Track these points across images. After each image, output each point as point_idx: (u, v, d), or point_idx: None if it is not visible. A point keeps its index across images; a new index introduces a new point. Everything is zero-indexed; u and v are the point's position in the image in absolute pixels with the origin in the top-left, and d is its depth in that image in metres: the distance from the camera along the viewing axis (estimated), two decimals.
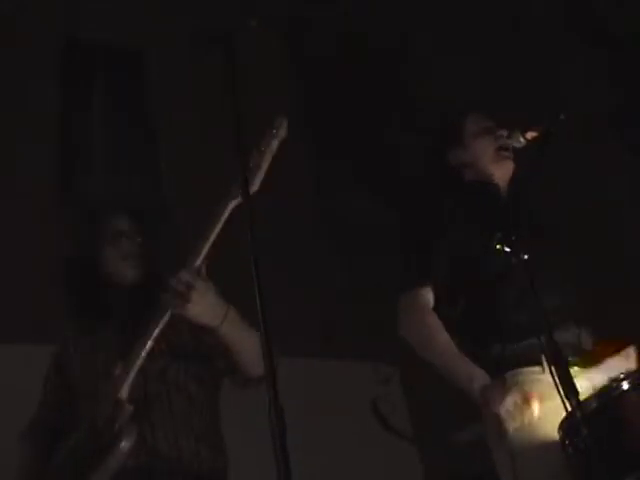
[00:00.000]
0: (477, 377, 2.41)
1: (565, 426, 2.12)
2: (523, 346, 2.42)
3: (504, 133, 2.66)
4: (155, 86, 3.84)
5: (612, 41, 3.70)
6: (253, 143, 2.06)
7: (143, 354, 2.15)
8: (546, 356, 2.10)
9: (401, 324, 2.59)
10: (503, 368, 2.44)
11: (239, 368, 2.26)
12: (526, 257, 2.14)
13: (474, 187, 2.73)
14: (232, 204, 2.08)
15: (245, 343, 2.17)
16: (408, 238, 2.77)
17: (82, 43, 3.77)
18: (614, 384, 2.09)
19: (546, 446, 2.26)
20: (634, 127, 3.73)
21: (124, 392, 2.16)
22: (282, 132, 2.09)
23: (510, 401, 2.31)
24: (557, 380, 2.05)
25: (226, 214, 2.10)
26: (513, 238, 2.13)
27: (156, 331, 2.13)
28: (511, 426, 2.31)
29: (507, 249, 2.11)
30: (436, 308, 2.56)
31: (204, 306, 2.08)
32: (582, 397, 2.02)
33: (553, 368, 2.04)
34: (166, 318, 2.13)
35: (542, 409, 2.30)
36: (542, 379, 2.37)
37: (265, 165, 2.06)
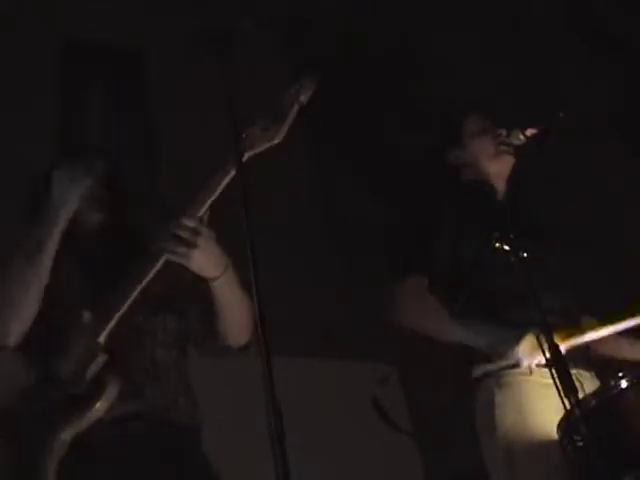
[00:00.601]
0: (486, 333, 2.42)
1: (564, 424, 2.12)
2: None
3: (503, 132, 2.67)
4: (155, 86, 3.84)
5: (612, 41, 3.70)
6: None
7: (127, 304, 2.04)
8: (545, 355, 2.10)
9: (398, 308, 2.57)
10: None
11: (221, 334, 2.17)
12: (525, 255, 2.14)
13: (472, 186, 2.74)
14: (249, 154, 1.97)
15: (236, 306, 2.09)
16: (405, 235, 2.76)
17: (81, 43, 3.78)
18: (613, 382, 2.09)
19: (543, 444, 2.27)
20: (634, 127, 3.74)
21: (100, 340, 2.05)
22: (309, 89, 1.98)
23: (527, 342, 2.32)
24: (554, 378, 2.05)
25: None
26: (511, 236, 2.14)
27: (145, 281, 2.03)
28: (533, 364, 2.32)
29: (506, 247, 2.12)
30: None
31: (208, 255, 1.99)
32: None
33: (553, 367, 2.04)
34: (158, 267, 2.02)
35: (538, 404, 2.32)
36: (532, 380, 2.39)
37: (287, 118, 1.96)
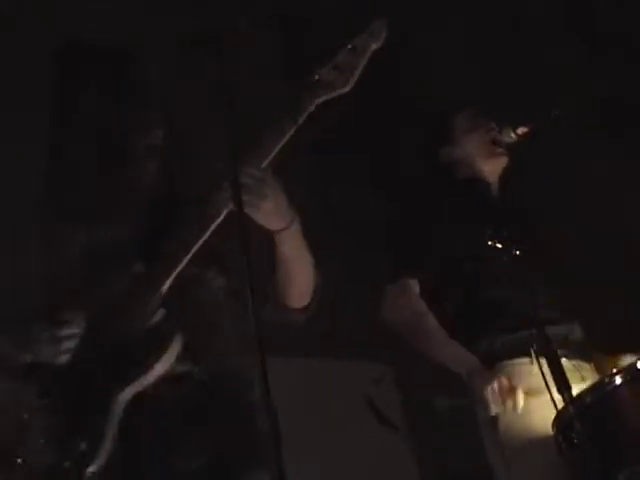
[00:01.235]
0: (466, 360, 2.44)
1: (558, 421, 2.13)
2: (513, 339, 2.44)
3: (495, 127, 2.67)
4: (150, 87, 3.83)
5: (611, 40, 3.70)
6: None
7: (188, 256, 1.90)
8: (537, 350, 2.11)
9: (388, 310, 2.59)
10: (492, 362, 2.47)
11: (278, 294, 2.04)
12: (517, 252, 2.15)
13: (466, 185, 2.74)
14: (318, 100, 1.88)
15: (300, 262, 1.97)
16: (397, 234, 2.77)
17: (78, 44, 3.77)
18: (607, 379, 2.10)
19: (538, 439, 2.28)
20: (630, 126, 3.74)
21: (160, 293, 1.91)
22: (381, 36, 1.92)
23: (496, 384, 2.34)
24: (548, 374, 2.06)
25: (307, 112, 1.88)
26: (504, 234, 2.15)
27: (208, 232, 1.88)
28: (494, 410, 2.33)
29: (498, 245, 2.12)
30: (426, 302, 2.58)
31: (275, 205, 1.86)
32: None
33: (544, 362, 2.05)
34: (219, 220, 1.88)
35: (532, 401, 2.33)
36: (532, 371, 2.39)
37: (358, 66, 1.90)
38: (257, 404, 1.99)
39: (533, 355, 2.29)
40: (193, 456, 1.92)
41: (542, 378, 2.09)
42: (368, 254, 3.22)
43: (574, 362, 2.40)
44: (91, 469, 1.81)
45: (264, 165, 1.87)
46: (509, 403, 2.33)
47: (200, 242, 1.91)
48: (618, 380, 2.08)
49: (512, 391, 2.33)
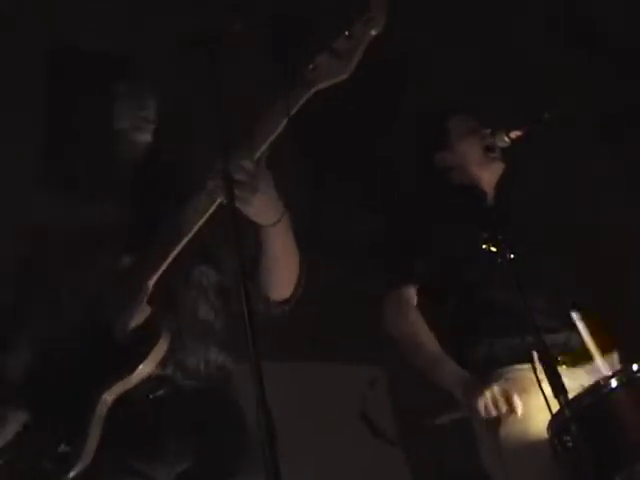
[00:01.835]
0: (457, 379, 2.43)
1: (554, 424, 2.12)
2: (510, 344, 2.43)
3: (488, 133, 2.67)
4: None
5: (595, 41, 3.72)
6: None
7: (177, 250, 1.84)
8: (533, 355, 2.10)
9: (386, 321, 2.59)
10: (491, 366, 2.46)
11: (263, 287, 1.98)
12: (512, 257, 2.14)
13: (462, 190, 2.73)
14: (314, 89, 1.80)
15: (287, 256, 1.93)
16: (393, 239, 2.76)
17: (70, 49, 3.75)
18: (603, 382, 2.09)
19: (535, 443, 2.27)
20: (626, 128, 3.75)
21: (147, 288, 1.85)
22: (380, 22, 1.79)
23: (488, 395, 2.33)
24: (545, 378, 2.05)
25: (301, 103, 1.80)
26: (499, 238, 2.14)
27: (198, 225, 1.82)
28: (488, 421, 2.33)
29: (493, 249, 2.12)
30: (423, 308, 2.57)
31: (266, 199, 1.80)
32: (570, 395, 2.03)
33: (540, 366, 2.05)
34: (211, 211, 1.81)
35: (530, 405, 2.32)
36: (530, 376, 2.38)
37: (356, 52, 1.79)
38: (244, 408, 2.00)
39: (535, 358, 2.30)
40: (175, 462, 1.88)
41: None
42: (363, 258, 3.20)
43: (575, 370, 2.39)
44: (72, 474, 1.76)
45: (256, 157, 1.80)
46: (506, 411, 2.32)
47: (190, 235, 1.85)
48: (613, 383, 2.08)
49: (508, 399, 2.32)
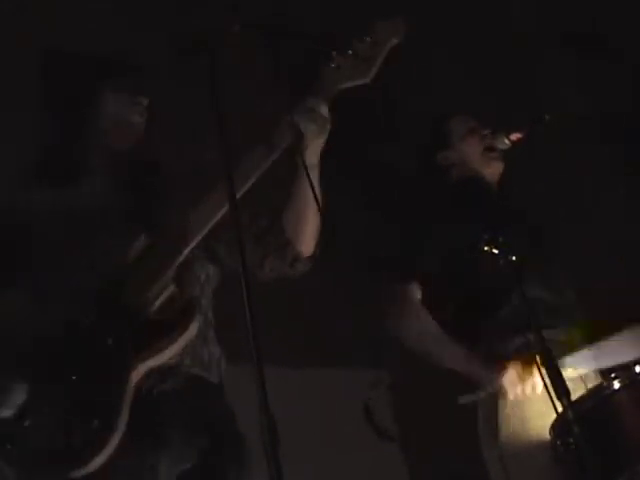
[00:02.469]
0: (478, 357, 2.42)
1: (556, 426, 2.12)
2: (511, 346, 2.43)
3: (488, 134, 2.67)
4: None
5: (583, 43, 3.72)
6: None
7: (205, 229, 1.90)
8: (535, 356, 2.10)
9: (389, 316, 2.57)
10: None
11: (293, 241, 2.04)
12: (514, 258, 2.14)
13: (464, 184, 2.73)
14: (338, 87, 1.98)
15: (314, 207, 1.94)
16: (395, 239, 2.75)
17: (65, 55, 3.73)
18: (605, 383, 2.09)
19: (535, 446, 2.26)
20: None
21: (174, 265, 1.88)
22: (399, 32, 1.97)
23: (514, 370, 2.32)
24: (547, 379, 2.04)
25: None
26: (500, 240, 2.13)
27: (261, 169, 1.94)
28: (514, 394, 2.32)
29: (494, 250, 2.11)
30: (427, 305, 2.57)
31: (324, 140, 1.99)
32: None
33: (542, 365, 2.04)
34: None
35: (530, 408, 2.32)
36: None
37: (377, 57, 1.95)
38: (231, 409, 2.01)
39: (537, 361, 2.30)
40: (179, 459, 1.88)
41: (539, 382, 2.08)
42: (366, 261, 3.20)
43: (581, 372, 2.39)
44: (105, 448, 1.72)
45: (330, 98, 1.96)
46: (528, 384, 2.30)
47: (221, 214, 1.88)
48: (616, 385, 2.07)
49: (528, 372, 2.31)
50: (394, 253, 2.71)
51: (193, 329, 1.86)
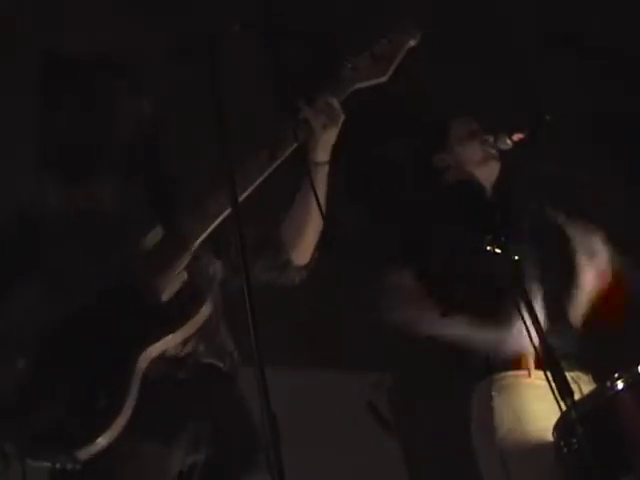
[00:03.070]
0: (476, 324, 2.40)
1: (560, 426, 2.11)
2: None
3: (490, 138, 2.66)
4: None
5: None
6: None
7: (221, 218, 1.89)
8: (538, 356, 2.09)
9: (388, 308, 2.55)
10: (488, 370, 2.45)
11: (286, 247, 2.04)
12: (516, 258, 2.13)
13: (459, 187, 2.73)
14: (353, 87, 2.01)
15: (315, 214, 1.96)
16: (395, 242, 2.74)
17: (63, 57, 3.73)
18: (609, 384, 2.08)
19: (539, 448, 2.26)
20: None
21: (186, 257, 1.89)
22: (416, 35, 2.03)
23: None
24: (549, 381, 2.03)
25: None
26: (503, 239, 2.12)
27: (278, 162, 1.95)
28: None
29: (497, 251, 2.10)
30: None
31: (334, 137, 2.01)
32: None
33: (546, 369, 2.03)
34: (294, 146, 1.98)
35: (528, 411, 2.32)
36: (530, 383, 2.38)
37: (395, 57, 2.01)
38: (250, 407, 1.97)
39: (531, 364, 2.31)
40: (190, 449, 1.86)
41: (542, 386, 2.07)
42: (364, 263, 3.19)
43: (572, 374, 2.38)
44: (113, 427, 1.72)
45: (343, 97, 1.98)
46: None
47: (250, 190, 1.90)
48: (619, 385, 2.06)
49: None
50: (394, 253, 2.70)
51: (202, 315, 1.86)
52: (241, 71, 2.56)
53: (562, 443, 2.10)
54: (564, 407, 1.96)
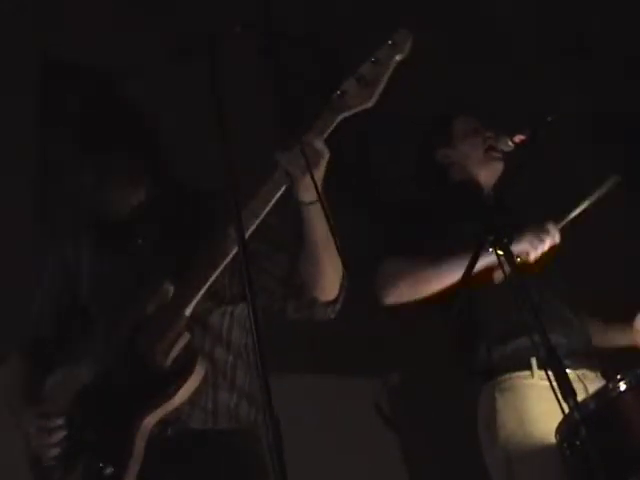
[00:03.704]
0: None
1: (563, 428, 2.10)
2: (511, 349, 2.42)
3: (491, 135, 2.67)
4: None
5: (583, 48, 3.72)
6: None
7: (213, 276, 1.84)
8: (540, 357, 2.08)
9: (382, 286, 2.54)
10: (491, 372, 2.45)
11: (307, 285, 1.94)
12: (517, 260, 2.13)
13: (461, 187, 2.73)
14: (341, 117, 1.86)
15: (328, 246, 1.86)
16: (394, 240, 2.73)
17: (60, 63, 3.71)
18: (612, 385, 2.08)
19: (542, 449, 2.25)
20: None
21: (185, 316, 1.85)
22: (404, 47, 1.85)
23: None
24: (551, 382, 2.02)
25: (330, 128, 1.86)
26: (505, 241, 2.12)
27: (262, 216, 1.83)
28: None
29: (499, 252, 2.09)
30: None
31: (320, 176, 1.82)
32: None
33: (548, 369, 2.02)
34: (278, 197, 1.85)
35: (531, 412, 2.31)
36: (533, 384, 2.38)
37: (382, 78, 1.84)
38: (263, 451, 1.91)
39: (534, 365, 2.30)
40: None
41: (545, 387, 2.06)
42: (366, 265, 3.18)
43: (578, 372, 2.38)
44: None
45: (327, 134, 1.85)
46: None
47: (229, 257, 1.84)
48: (622, 386, 2.06)
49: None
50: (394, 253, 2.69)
51: (193, 381, 1.85)
52: (241, 71, 2.55)
53: (565, 444, 2.09)
54: (567, 408, 1.98)
